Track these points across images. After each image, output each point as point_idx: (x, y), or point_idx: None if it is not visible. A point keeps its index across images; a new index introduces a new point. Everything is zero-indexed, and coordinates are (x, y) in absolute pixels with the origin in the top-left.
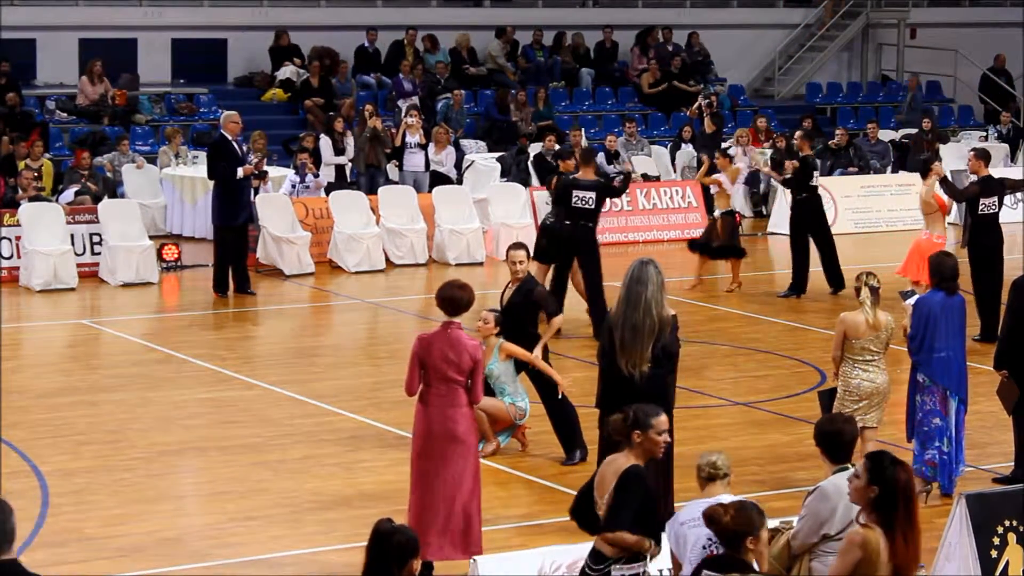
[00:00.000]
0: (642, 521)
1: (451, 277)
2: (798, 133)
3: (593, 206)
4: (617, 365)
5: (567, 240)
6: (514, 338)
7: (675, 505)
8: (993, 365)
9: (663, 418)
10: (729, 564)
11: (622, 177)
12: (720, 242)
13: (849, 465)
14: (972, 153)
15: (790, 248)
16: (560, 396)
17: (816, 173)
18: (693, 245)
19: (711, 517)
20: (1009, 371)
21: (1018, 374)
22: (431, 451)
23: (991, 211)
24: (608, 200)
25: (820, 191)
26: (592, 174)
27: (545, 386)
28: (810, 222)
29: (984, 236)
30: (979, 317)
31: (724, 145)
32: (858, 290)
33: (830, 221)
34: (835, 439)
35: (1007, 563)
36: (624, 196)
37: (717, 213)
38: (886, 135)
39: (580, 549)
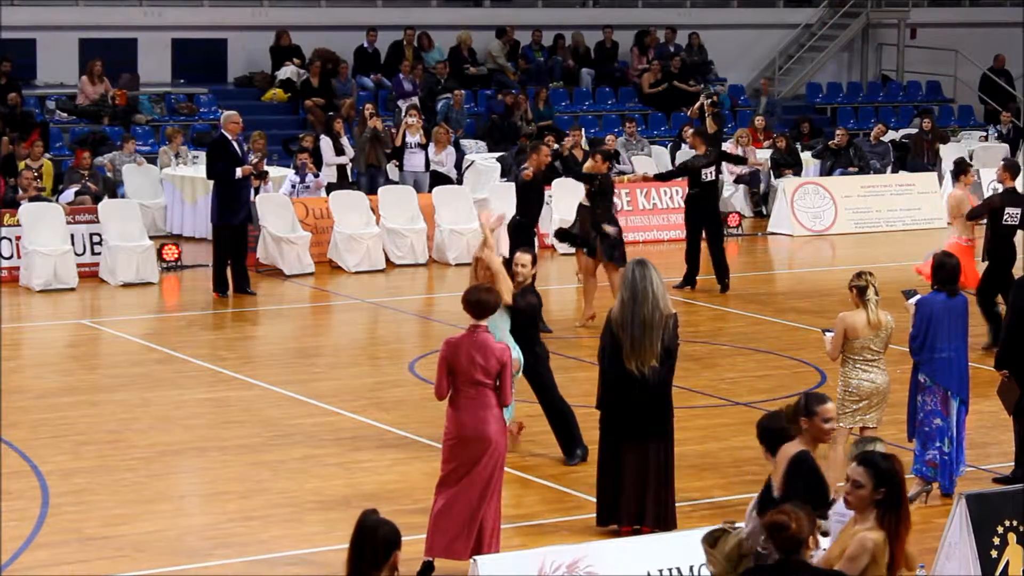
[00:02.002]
0: (811, 504)
1: (451, 277)
2: (690, 131)
3: (516, 198)
4: (621, 366)
5: None
6: (519, 337)
7: (678, 504)
8: (995, 365)
9: (830, 405)
10: (789, 570)
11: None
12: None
13: None
14: (1002, 164)
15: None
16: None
17: (709, 170)
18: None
19: (778, 525)
20: (1010, 371)
21: (1020, 374)
22: (462, 453)
23: (1013, 223)
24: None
25: (720, 187)
26: (532, 166)
27: (541, 388)
28: (700, 217)
29: (1003, 247)
30: (986, 323)
31: (724, 145)
32: (862, 289)
33: (830, 221)
34: (779, 436)
35: (1007, 563)
36: (624, 196)
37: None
38: (886, 135)
39: (580, 549)
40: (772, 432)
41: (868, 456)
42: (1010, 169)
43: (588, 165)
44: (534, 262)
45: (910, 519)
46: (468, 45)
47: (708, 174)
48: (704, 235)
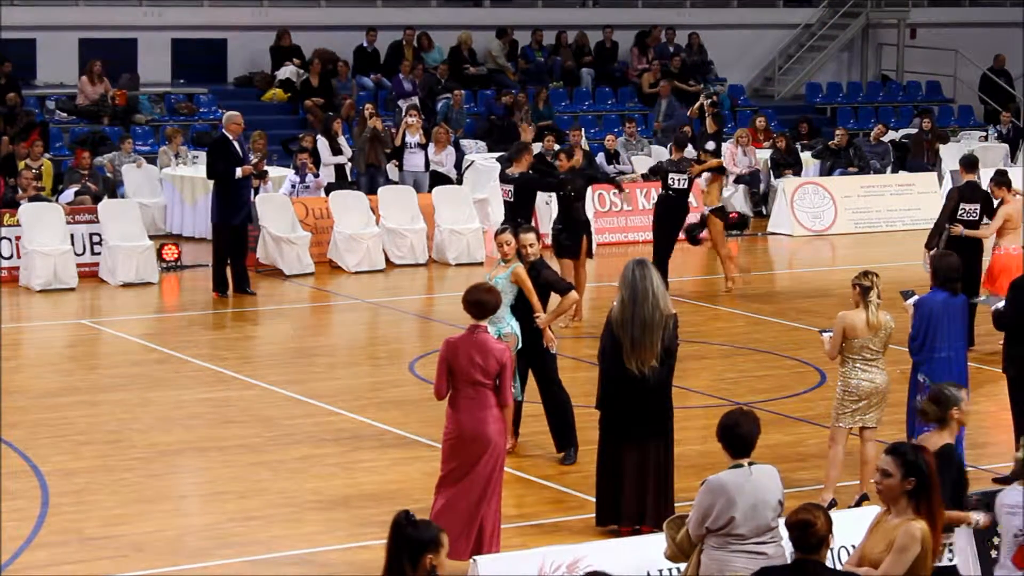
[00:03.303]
0: (955, 496)
1: (451, 277)
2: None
3: (512, 199)
4: (621, 366)
5: None
6: (526, 323)
7: (677, 504)
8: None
9: (964, 392)
10: (807, 570)
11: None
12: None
13: (745, 462)
14: (961, 164)
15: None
16: (544, 347)
17: (677, 176)
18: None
19: (805, 522)
20: (1007, 365)
21: (1018, 370)
22: (461, 453)
23: (971, 218)
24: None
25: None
26: (523, 167)
27: (544, 380)
28: (671, 223)
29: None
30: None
31: (724, 146)
32: (866, 289)
33: (830, 221)
34: (731, 432)
35: None
36: (624, 196)
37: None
38: (886, 135)
39: (580, 549)
40: (727, 429)
41: (897, 446)
42: (964, 165)
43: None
44: (537, 237)
45: (943, 512)
46: (469, 45)
47: (678, 180)
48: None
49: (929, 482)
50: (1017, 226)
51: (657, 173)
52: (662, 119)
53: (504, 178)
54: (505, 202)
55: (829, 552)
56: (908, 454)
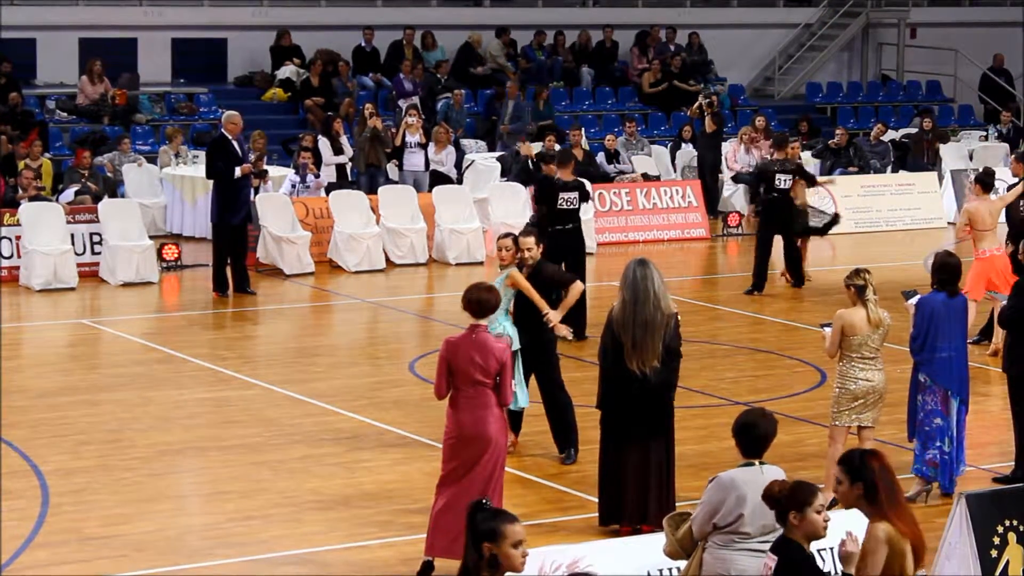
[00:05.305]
0: None
1: (451, 277)
2: (769, 134)
3: (576, 206)
4: (623, 366)
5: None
6: (528, 326)
7: (679, 503)
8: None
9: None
10: (785, 546)
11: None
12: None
13: (756, 462)
14: (1013, 157)
15: (755, 246)
16: (549, 347)
17: (783, 176)
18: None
19: (767, 493)
20: (1009, 365)
21: (1020, 369)
22: (462, 453)
23: None
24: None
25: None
26: (570, 175)
27: (547, 382)
28: (776, 222)
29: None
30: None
31: (725, 146)
32: (861, 288)
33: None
34: (748, 432)
35: (1007, 563)
36: (624, 196)
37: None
38: (886, 135)
39: (580, 549)
40: (743, 428)
41: (846, 454)
42: (1022, 161)
43: (545, 169)
44: (538, 242)
45: (903, 511)
46: (479, 45)
47: (784, 180)
48: (782, 239)
49: (875, 484)
50: (988, 227)
51: (763, 175)
52: (508, 121)
53: (564, 186)
54: (566, 210)
55: (827, 553)
56: (855, 460)
